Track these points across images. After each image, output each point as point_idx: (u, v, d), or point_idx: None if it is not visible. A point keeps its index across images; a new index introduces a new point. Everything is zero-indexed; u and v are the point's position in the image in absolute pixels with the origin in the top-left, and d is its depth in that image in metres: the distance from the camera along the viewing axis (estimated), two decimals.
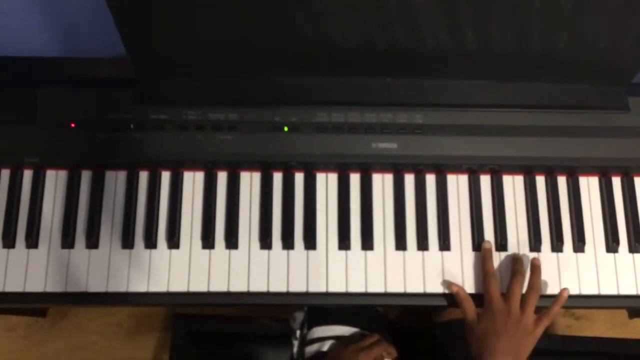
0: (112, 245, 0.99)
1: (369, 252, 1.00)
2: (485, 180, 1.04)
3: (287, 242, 0.99)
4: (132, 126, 0.99)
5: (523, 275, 0.97)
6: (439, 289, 0.99)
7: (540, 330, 0.94)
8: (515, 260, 0.99)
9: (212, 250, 0.99)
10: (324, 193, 1.02)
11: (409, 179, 1.03)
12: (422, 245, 1.00)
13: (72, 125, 0.99)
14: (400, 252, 1.00)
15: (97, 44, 1.05)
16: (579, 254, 1.01)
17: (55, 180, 1.02)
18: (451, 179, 1.04)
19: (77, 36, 1.06)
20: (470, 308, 0.96)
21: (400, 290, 0.99)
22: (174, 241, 0.99)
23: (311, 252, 0.99)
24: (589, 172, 1.05)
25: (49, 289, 0.97)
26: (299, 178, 1.03)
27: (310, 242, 0.99)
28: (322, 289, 0.98)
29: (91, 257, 0.98)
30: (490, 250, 0.99)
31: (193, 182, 1.02)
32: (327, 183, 1.03)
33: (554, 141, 1.01)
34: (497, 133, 1.01)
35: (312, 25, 0.89)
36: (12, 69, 1.07)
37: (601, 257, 1.01)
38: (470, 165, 1.02)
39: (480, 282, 0.98)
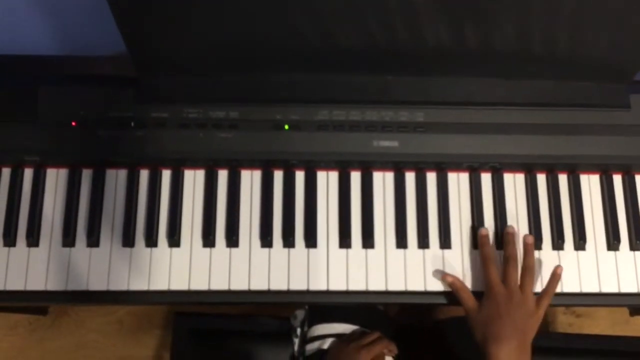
0: (112, 244, 0.99)
1: (369, 251, 1.00)
2: (486, 179, 1.04)
3: (288, 241, 0.99)
4: (132, 124, 0.99)
5: (516, 259, 0.97)
6: (439, 287, 0.99)
7: (542, 311, 0.94)
8: (507, 245, 0.99)
9: (213, 249, 0.99)
10: (324, 191, 1.02)
11: (410, 177, 1.03)
12: (423, 243, 1.00)
13: (73, 123, 0.99)
14: (401, 250, 1.00)
15: (98, 42, 1.04)
16: (580, 252, 1.01)
17: (55, 179, 1.02)
18: (452, 177, 1.04)
19: (78, 34, 1.06)
20: (468, 297, 0.96)
21: (401, 288, 0.99)
22: (174, 239, 0.99)
23: (312, 250, 0.99)
24: (590, 170, 1.04)
25: (49, 288, 0.97)
26: (300, 176, 1.03)
27: (311, 240, 0.99)
28: (323, 287, 0.98)
29: (92, 255, 0.98)
30: (487, 237, 0.99)
31: (194, 180, 1.02)
32: (327, 181, 1.03)
33: (555, 139, 1.01)
34: (498, 131, 1.00)
35: (313, 23, 0.89)
36: (13, 67, 1.07)
37: (602, 255, 1.01)
38: (471, 163, 1.02)
39: (481, 280, 0.98)
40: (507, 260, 0.97)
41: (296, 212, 1.01)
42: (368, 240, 1.00)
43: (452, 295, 0.98)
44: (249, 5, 0.86)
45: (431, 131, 1.00)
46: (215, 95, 1.00)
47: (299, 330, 1.13)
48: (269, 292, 0.98)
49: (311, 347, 1.11)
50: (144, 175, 1.02)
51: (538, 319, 0.94)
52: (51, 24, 1.03)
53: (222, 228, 1.00)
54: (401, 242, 1.00)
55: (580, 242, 1.01)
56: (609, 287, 1.00)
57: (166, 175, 1.02)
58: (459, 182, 1.04)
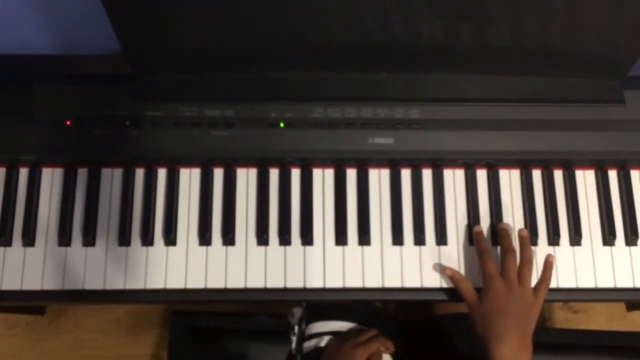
0: (108, 243, 0.99)
1: (366, 248, 1.00)
2: (481, 175, 1.04)
3: (284, 238, 0.99)
4: (127, 123, 0.99)
5: (514, 251, 0.97)
6: (436, 283, 0.99)
7: (540, 301, 0.94)
8: (503, 237, 0.99)
9: (209, 247, 0.99)
10: (320, 189, 1.02)
11: (406, 174, 1.03)
12: (419, 240, 1.00)
13: (68, 122, 0.99)
14: (397, 247, 1.00)
15: (93, 41, 1.04)
16: (576, 248, 1.02)
17: (51, 178, 1.01)
18: (448, 173, 1.04)
19: (73, 33, 1.06)
20: (468, 289, 0.96)
21: (398, 285, 0.99)
22: (170, 238, 0.99)
23: (308, 247, 0.99)
24: (585, 165, 1.05)
25: (46, 287, 0.97)
26: (296, 174, 1.03)
27: (307, 238, 0.99)
28: (319, 285, 0.98)
29: (88, 254, 0.98)
30: (481, 233, 0.99)
31: (189, 179, 1.02)
32: (323, 179, 1.03)
33: (550, 135, 1.01)
34: (494, 127, 1.01)
35: (307, 20, 0.89)
36: (7, 66, 1.07)
37: (598, 250, 1.01)
38: (467, 159, 1.02)
39: (477, 276, 0.98)
40: (506, 253, 0.97)
41: (292, 209, 1.01)
42: (364, 238, 1.00)
43: (449, 291, 0.98)
44: (243, 2, 0.86)
45: (427, 128, 1.00)
46: (210, 93, 1.00)
47: (296, 328, 1.13)
48: (265, 290, 0.98)
49: (308, 344, 1.11)
50: (140, 174, 1.02)
51: (537, 309, 0.94)
52: (46, 23, 1.03)
53: (218, 226, 1.00)
54: (397, 239, 1.00)
55: (575, 238, 1.01)
56: (605, 282, 1.00)
57: (162, 173, 1.02)
58: (454, 179, 1.04)
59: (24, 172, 1.01)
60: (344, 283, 0.98)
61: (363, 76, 1.01)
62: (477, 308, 0.94)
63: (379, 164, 1.03)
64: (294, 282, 0.98)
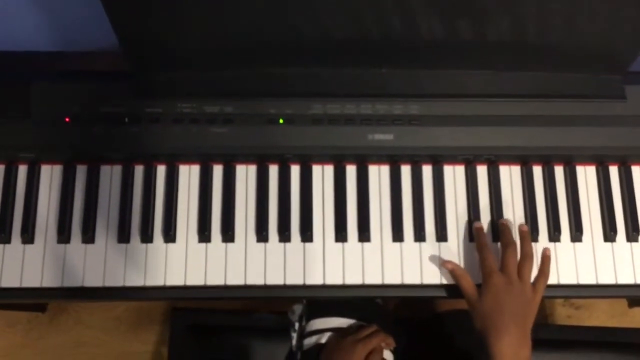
0: (108, 240, 0.98)
1: (365, 244, 1.00)
2: (482, 171, 1.04)
3: (284, 235, 0.99)
4: (126, 120, 0.99)
5: (514, 245, 0.97)
6: (436, 280, 0.99)
7: (539, 295, 0.94)
8: (504, 232, 0.98)
9: (209, 244, 0.99)
10: (320, 185, 1.02)
11: (406, 170, 1.03)
12: (419, 236, 1.00)
13: (67, 119, 0.98)
14: (397, 244, 1.00)
15: (91, 38, 1.04)
16: (577, 244, 1.01)
17: (50, 175, 1.01)
18: (448, 169, 1.03)
19: (71, 30, 1.05)
20: (469, 284, 0.95)
21: (398, 282, 0.98)
22: (170, 235, 0.98)
23: (308, 244, 0.99)
24: (586, 161, 1.04)
25: (45, 284, 0.97)
26: (295, 170, 1.03)
27: (306, 234, 0.99)
28: (319, 282, 0.98)
29: (87, 252, 0.98)
30: (481, 229, 0.99)
31: (189, 175, 1.02)
32: (323, 175, 1.03)
33: (550, 131, 1.00)
34: (494, 123, 1.00)
35: (307, 16, 0.89)
36: (5, 63, 1.06)
37: (599, 247, 1.01)
38: (467, 155, 1.02)
39: (478, 272, 0.97)
40: (506, 247, 0.96)
41: (292, 206, 1.01)
42: (364, 234, 0.99)
43: (449, 287, 0.98)
44: None
45: (426, 124, 1.00)
46: (209, 90, 1.00)
47: (296, 325, 1.13)
48: (265, 287, 0.98)
49: (309, 341, 1.11)
50: (139, 171, 1.02)
51: (536, 304, 0.94)
52: (44, 20, 1.03)
53: (217, 223, 1.00)
54: (397, 236, 1.00)
55: (576, 234, 1.01)
56: (606, 279, 1.00)
57: (161, 170, 1.02)
58: (454, 175, 1.03)
59: (22, 169, 1.01)
60: (344, 280, 0.98)
61: (362, 72, 1.00)
62: (477, 303, 0.94)
63: (378, 160, 1.02)
64: (294, 279, 0.98)
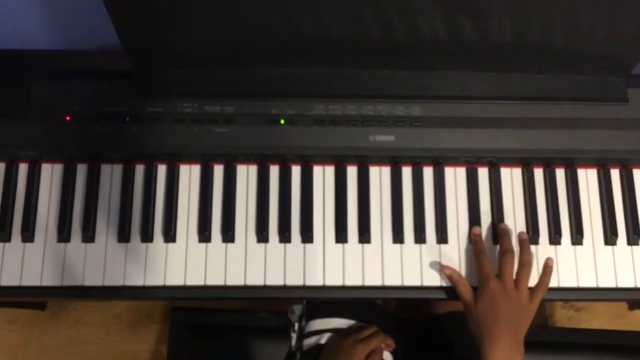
0: (108, 239, 0.98)
1: (366, 245, 0.99)
2: (483, 173, 1.03)
3: (284, 236, 0.99)
4: (127, 119, 0.98)
5: (512, 252, 0.97)
6: (436, 281, 0.99)
7: (536, 305, 0.94)
8: (503, 238, 0.98)
9: (209, 244, 0.99)
10: (321, 186, 1.02)
11: (407, 172, 1.03)
12: (420, 238, 1.00)
13: (67, 118, 0.98)
14: (398, 245, 1.00)
15: (92, 36, 1.04)
16: (577, 247, 1.01)
17: (50, 174, 1.01)
18: (449, 171, 1.03)
19: (72, 28, 1.05)
20: (466, 290, 0.96)
21: (398, 283, 0.98)
22: (170, 235, 0.98)
23: (308, 245, 0.99)
24: (587, 164, 1.04)
25: (45, 283, 0.97)
26: (296, 171, 1.02)
27: (307, 235, 0.99)
28: (319, 283, 0.98)
29: (87, 250, 0.98)
30: (479, 235, 0.99)
31: (189, 175, 1.02)
32: (324, 176, 1.03)
33: (552, 133, 1.00)
34: (495, 125, 1.00)
35: (309, 16, 0.89)
36: (6, 61, 1.06)
37: (599, 250, 1.01)
38: (468, 157, 1.02)
39: (477, 275, 0.97)
40: (504, 254, 0.96)
41: (292, 207, 1.01)
42: (364, 235, 0.99)
43: (449, 289, 0.98)
44: None
45: (428, 125, 1.00)
46: (210, 89, 1.00)
47: (296, 325, 1.13)
48: (265, 287, 0.98)
49: (308, 341, 1.11)
50: (140, 170, 1.02)
51: (531, 312, 0.94)
52: (45, 18, 1.03)
53: (217, 223, 1.00)
54: (398, 237, 1.00)
55: (577, 237, 1.01)
56: (607, 282, 1.00)
57: (162, 170, 1.02)
58: (455, 177, 1.03)
59: (23, 168, 1.01)
60: (344, 281, 0.98)
61: (364, 73, 1.00)
62: (472, 308, 0.94)
63: (379, 162, 1.02)
64: (294, 280, 0.98)
